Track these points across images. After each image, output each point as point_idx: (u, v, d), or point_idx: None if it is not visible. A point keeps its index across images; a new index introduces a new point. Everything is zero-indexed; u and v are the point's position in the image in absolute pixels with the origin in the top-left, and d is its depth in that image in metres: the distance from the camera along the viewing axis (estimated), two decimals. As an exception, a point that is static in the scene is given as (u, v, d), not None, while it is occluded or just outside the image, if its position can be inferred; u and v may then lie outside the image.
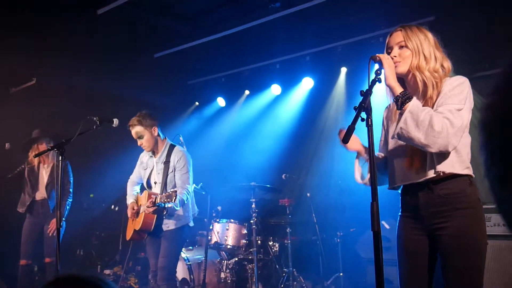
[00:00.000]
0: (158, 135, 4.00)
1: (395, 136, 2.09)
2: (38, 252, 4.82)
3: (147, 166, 4.09)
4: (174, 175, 3.92)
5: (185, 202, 3.86)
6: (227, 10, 5.19)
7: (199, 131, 7.16)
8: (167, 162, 3.94)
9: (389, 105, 2.40)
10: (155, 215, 3.82)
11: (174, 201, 3.54)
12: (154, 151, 4.04)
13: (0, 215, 5.38)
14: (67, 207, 4.86)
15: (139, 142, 3.94)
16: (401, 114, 2.06)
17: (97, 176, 6.10)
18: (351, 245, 5.48)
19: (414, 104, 2.01)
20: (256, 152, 6.56)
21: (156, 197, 3.71)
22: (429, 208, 2.12)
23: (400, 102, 2.04)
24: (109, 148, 6.24)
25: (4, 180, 4.86)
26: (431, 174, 2.09)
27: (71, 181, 4.96)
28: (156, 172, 4.01)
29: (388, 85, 2.10)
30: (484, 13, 4.58)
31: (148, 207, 3.72)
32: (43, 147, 4.80)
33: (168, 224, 3.86)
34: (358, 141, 2.37)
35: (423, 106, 2.08)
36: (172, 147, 4.03)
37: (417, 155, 2.14)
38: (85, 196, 6.59)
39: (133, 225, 3.95)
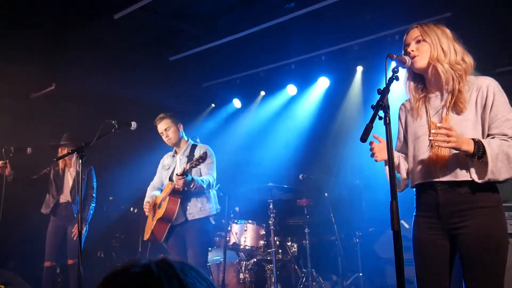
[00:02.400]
0: (182, 133, 4.15)
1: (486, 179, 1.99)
2: (61, 254, 4.90)
3: (169, 166, 4.17)
4: (200, 167, 3.97)
5: (211, 187, 3.96)
6: (242, 12, 5.20)
7: (216, 133, 7.19)
8: (191, 156, 4.02)
9: (407, 101, 2.36)
10: (179, 199, 3.85)
11: (206, 159, 3.59)
12: (176, 150, 4.17)
13: (23, 217, 5.50)
14: (91, 212, 4.92)
15: (165, 135, 4.04)
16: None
17: (115, 179, 6.17)
18: (370, 245, 5.44)
19: (491, 153, 1.95)
20: (273, 153, 6.56)
21: (183, 168, 3.76)
22: (449, 206, 2.09)
23: (477, 157, 1.98)
24: (127, 151, 6.31)
25: (28, 183, 4.94)
26: (460, 177, 2.06)
27: (95, 186, 5.02)
28: (179, 166, 4.07)
29: (465, 151, 1.98)
30: (502, 8, 4.50)
31: (177, 177, 3.71)
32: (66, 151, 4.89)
33: (193, 214, 3.90)
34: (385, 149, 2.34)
35: (453, 101, 2.09)
36: (195, 145, 4.18)
37: (442, 153, 2.11)
38: (104, 198, 6.68)
39: (155, 217, 3.95)
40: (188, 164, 3.70)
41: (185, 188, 3.80)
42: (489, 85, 2.08)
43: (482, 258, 2.00)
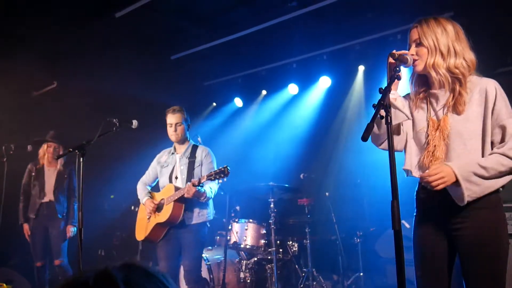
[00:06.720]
0: (187, 133, 4.10)
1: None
2: (50, 253, 4.92)
3: (168, 164, 4.08)
4: (201, 170, 3.94)
5: (212, 196, 3.89)
6: (243, 10, 5.19)
7: (217, 132, 7.18)
8: (192, 158, 3.97)
9: (409, 94, 2.32)
10: (184, 205, 3.78)
11: (227, 174, 3.51)
12: (175, 148, 4.09)
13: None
14: (76, 212, 4.95)
15: (173, 128, 3.96)
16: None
17: (116, 177, 6.17)
18: (371, 245, 5.43)
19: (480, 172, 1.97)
20: (274, 152, 6.55)
21: (199, 178, 3.69)
22: (446, 208, 2.06)
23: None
24: (128, 149, 6.31)
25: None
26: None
27: (75, 186, 5.05)
28: (179, 167, 4.00)
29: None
30: (504, 7, 4.49)
31: (192, 185, 3.60)
32: (50, 150, 4.95)
33: (192, 218, 3.85)
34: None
35: (453, 102, 2.06)
36: (196, 146, 4.11)
37: (437, 154, 2.08)
38: (105, 197, 6.68)
39: (155, 220, 3.92)
40: (206, 176, 3.61)
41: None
42: (492, 88, 2.03)
43: (482, 261, 1.97)
